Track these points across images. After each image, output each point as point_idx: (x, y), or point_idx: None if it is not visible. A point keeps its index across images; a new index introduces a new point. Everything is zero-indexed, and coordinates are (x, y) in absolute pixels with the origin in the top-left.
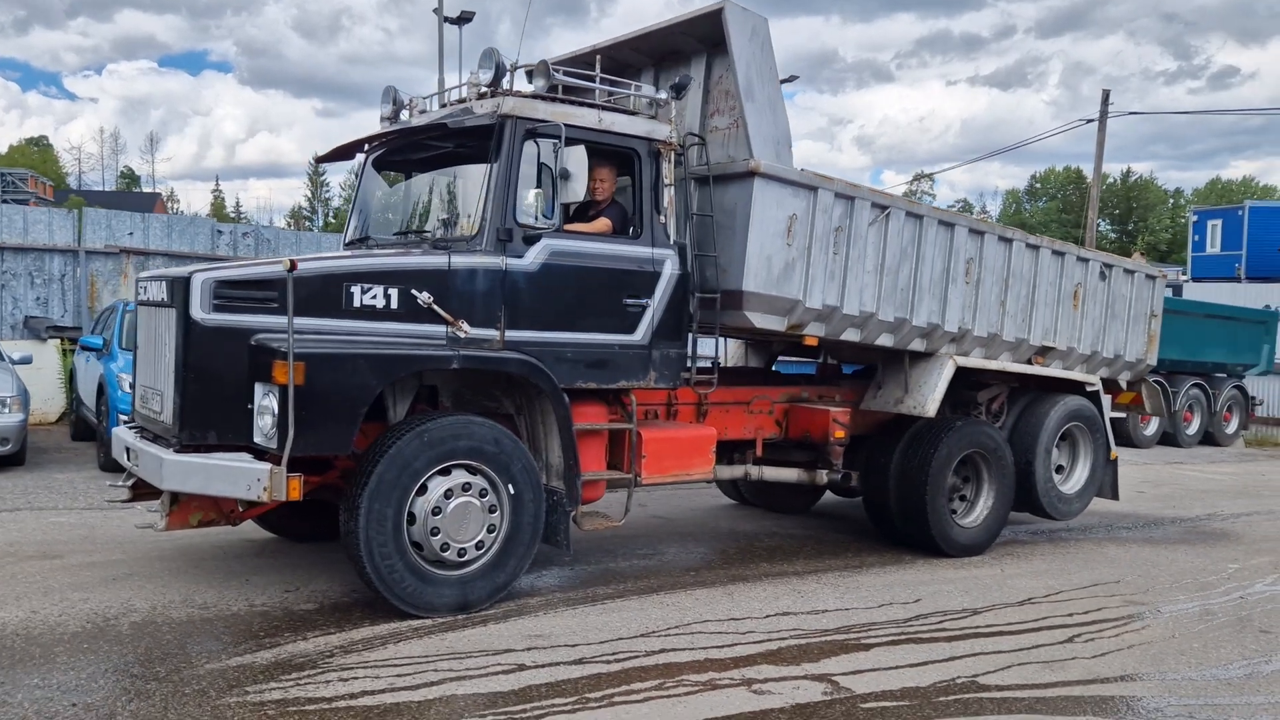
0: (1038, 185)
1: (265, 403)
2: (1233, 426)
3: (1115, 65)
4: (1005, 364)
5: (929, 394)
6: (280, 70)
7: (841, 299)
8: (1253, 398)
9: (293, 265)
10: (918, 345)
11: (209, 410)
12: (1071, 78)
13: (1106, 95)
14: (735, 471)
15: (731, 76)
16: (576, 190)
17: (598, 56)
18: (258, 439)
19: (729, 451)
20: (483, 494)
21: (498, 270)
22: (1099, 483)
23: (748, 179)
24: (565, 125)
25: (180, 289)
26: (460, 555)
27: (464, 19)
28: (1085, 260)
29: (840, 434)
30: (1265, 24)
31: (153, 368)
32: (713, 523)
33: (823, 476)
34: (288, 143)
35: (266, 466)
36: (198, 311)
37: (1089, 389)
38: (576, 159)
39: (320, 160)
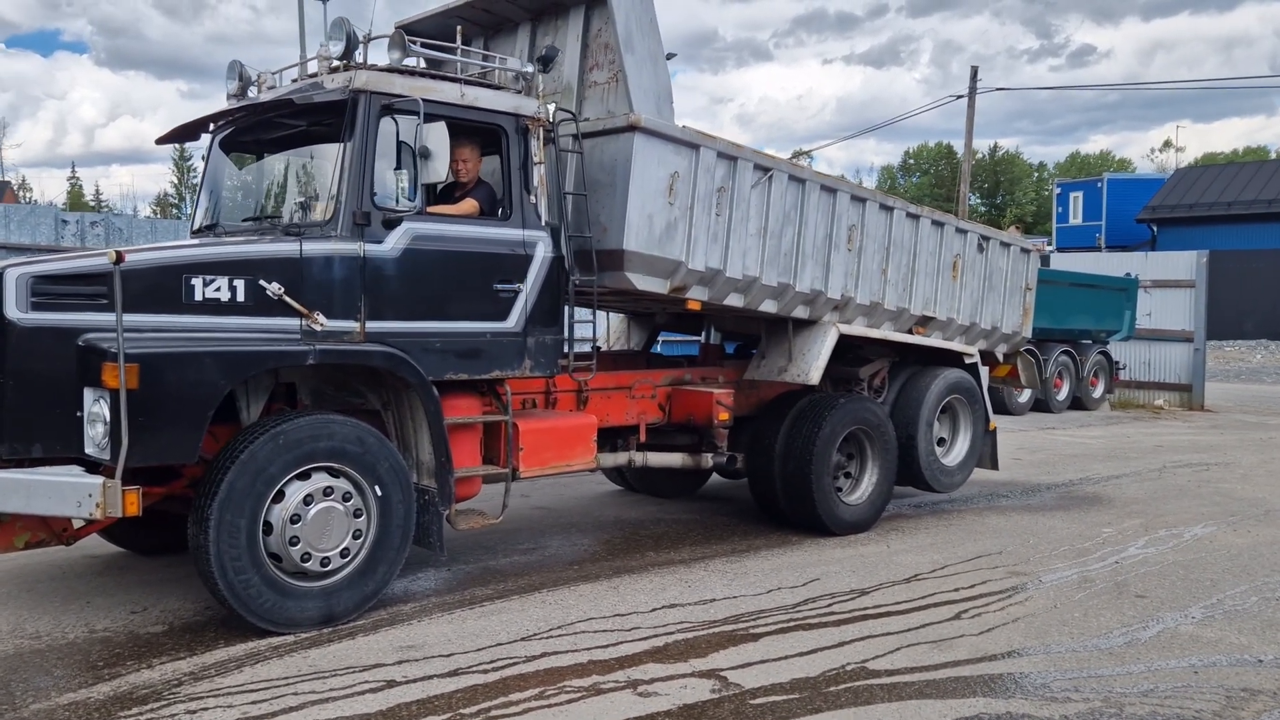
0: (911, 161)
1: (96, 410)
2: (1099, 391)
3: (982, 44)
4: (887, 333)
5: (813, 361)
6: (141, 51)
7: (725, 262)
8: (1116, 362)
9: (119, 257)
10: (801, 312)
11: (32, 420)
12: (942, 56)
13: (975, 72)
14: (619, 459)
15: (611, 28)
16: (438, 170)
17: (459, 26)
18: (89, 450)
19: (612, 438)
20: (346, 497)
21: (355, 257)
22: (979, 453)
23: (628, 133)
24: (425, 100)
25: None
26: (324, 565)
27: None
28: (964, 232)
29: (724, 416)
30: (1118, 4)
31: None
32: (598, 511)
33: (708, 460)
34: (152, 126)
35: (99, 480)
36: (13, 311)
37: (968, 361)
38: (437, 136)
39: (161, 141)
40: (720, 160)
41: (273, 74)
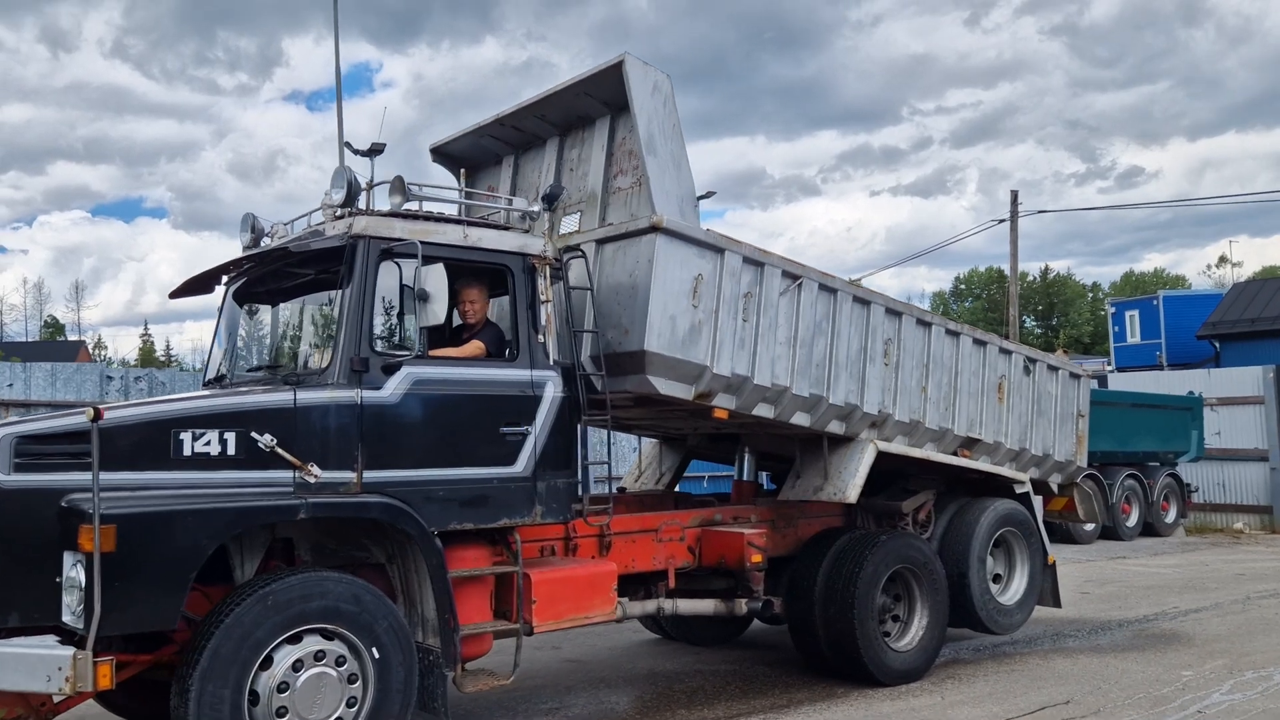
0: (962, 286)
1: (73, 575)
2: (1171, 516)
3: (1028, 170)
4: (930, 453)
5: (849, 479)
6: (215, 213)
7: (752, 369)
8: (1188, 485)
9: (97, 414)
10: (836, 427)
11: (9, 588)
12: (988, 183)
13: (1015, 197)
14: (647, 607)
15: (634, 134)
16: (437, 312)
17: (462, 170)
18: (66, 618)
19: (639, 585)
20: (340, 661)
21: (351, 405)
22: (1039, 590)
23: (650, 235)
24: (427, 243)
25: None
26: None
27: (374, 151)
28: (1008, 353)
29: (757, 558)
30: (1162, 126)
31: None
32: (630, 664)
33: (742, 606)
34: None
35: (69, 652)
36: None
37: (1019, 490)
38: (436, 278)
39: (174, 295)
40: (746, 265)
41: (285, 224)
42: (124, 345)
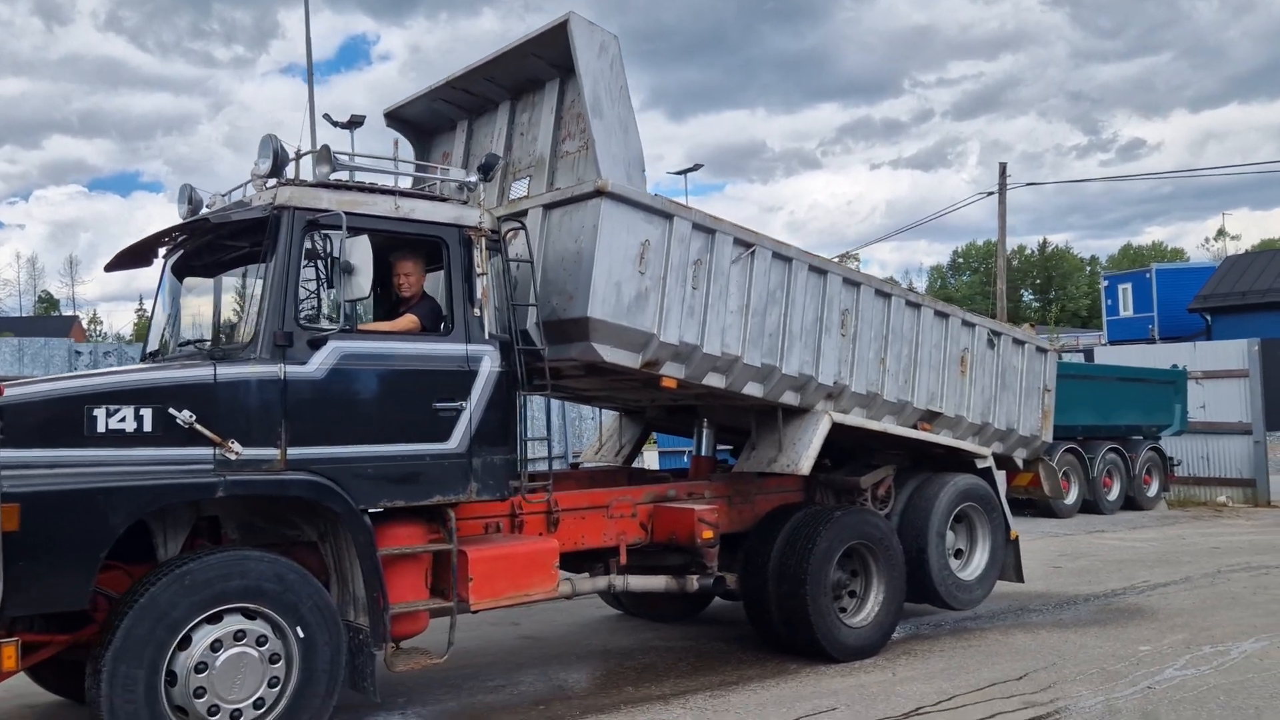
0: (960, 260)
1: None
2: (1154, 489)
3: (1029, 142)
4: (889, 426)
5: (803, 451)
6: (211, 186)
7: (702, 337)
8: (1171, 458)
9: None
10: (790, 398)
11: None
12: (989, 156)
13: (1004, 169)
14: (597, 584)
15: (581, 97)
16: (362, 285)
17: (396, 139)
18: None
19: (595, 561)
20: (261, 641)
21: (274, 380)
22: (1000, 565)
23: (595, 199)
24: (354, 214)
25: None
26: (234, 717)
27: (354, 123)
28: (971, 325)
29: (708, 534)
30: (1164, 98)
31: None
32: (586, 640)
33: (694, 582)
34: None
35: None
36: None
37: (980, 465)
38: (360, 250)
39: (109, 268)
40: (696, 232)
41: (222, 195)
42: (119, 320)
